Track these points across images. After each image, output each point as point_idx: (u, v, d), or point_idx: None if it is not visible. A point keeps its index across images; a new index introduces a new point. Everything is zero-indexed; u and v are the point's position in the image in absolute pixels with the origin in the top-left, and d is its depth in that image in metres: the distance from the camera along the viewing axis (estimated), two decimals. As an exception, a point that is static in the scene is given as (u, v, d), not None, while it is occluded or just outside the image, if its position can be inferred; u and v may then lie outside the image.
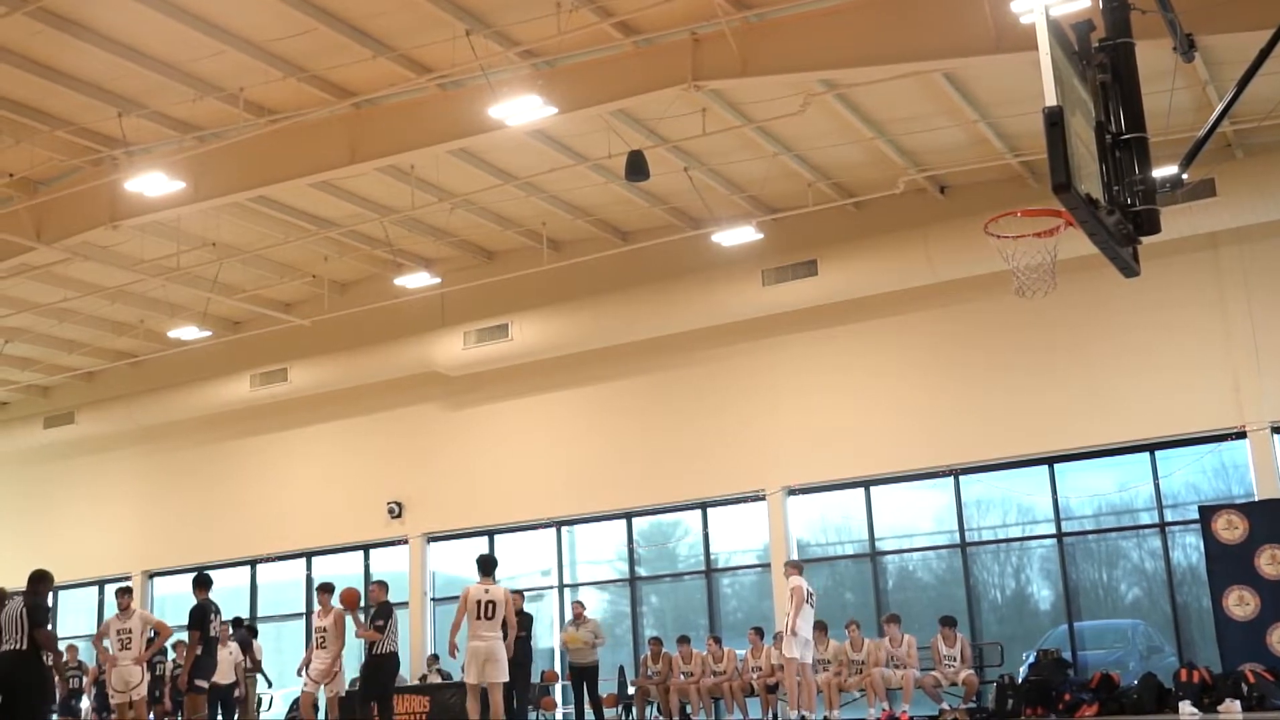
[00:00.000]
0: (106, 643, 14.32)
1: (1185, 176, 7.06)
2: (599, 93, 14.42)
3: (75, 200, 16.94)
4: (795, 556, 18.99)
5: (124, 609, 14.48)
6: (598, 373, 20.47)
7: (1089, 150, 6.22)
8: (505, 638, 12.89)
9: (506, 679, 12.89)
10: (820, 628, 16.90)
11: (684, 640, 17.87)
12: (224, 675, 16.40)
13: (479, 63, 13.56)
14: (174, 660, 18.11)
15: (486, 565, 13.34)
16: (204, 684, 13.75)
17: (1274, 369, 16.26)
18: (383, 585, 14.69)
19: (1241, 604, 15.51)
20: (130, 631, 14.29)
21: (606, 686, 18.23)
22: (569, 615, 20.13)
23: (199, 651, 13.60)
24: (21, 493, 26.35)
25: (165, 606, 23.96)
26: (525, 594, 18.14)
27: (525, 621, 16.65)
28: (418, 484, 21.91)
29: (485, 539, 21.48)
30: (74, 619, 25.29)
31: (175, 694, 17.56)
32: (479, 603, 12.80)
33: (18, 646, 10.82)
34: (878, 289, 17.94)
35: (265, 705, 20.24)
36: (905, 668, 16.02)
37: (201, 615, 13.63)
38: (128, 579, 24.46)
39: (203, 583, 14.03)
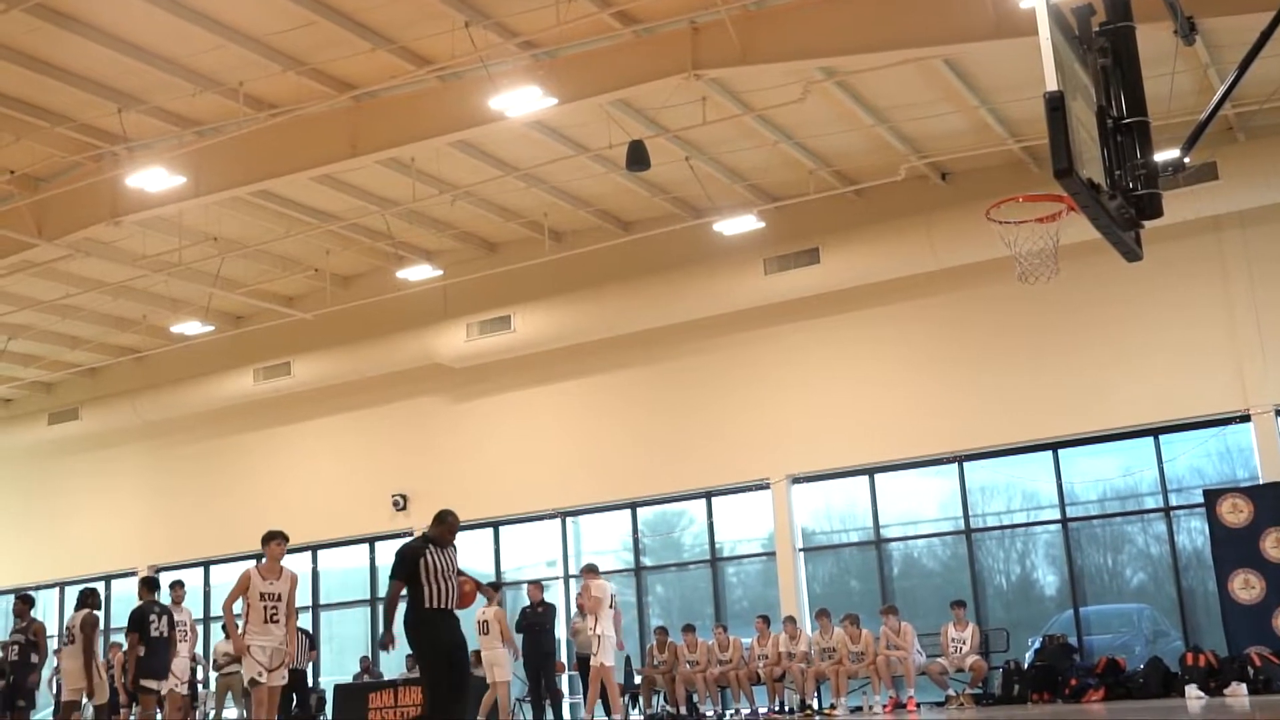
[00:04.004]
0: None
1: (1187, 160, 7.04)
2: (599, 83, 14.40)
3: (76, 196, 16.94)
4: (800, 544, 19.06)
5: (178, 601, 14.55)
6: (601, 363, 20.46)
7: (1090, 135, 6.21)
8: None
9: (509, 678, 15.88)
10: (824, 615, 16.97)
11: (689, 629, 17.89)
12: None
13: (478, 54, 13.54)
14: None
15: (487, 594, 15.02)
16: (152, 685, 13.71)
17: (1278, 351, 16.25)
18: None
19: (1247, 587, 15.51)
20: (185, 624, 14.41)
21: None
22: (574, 607, 20.21)
23: (140, 653, 13.57)
24: (27, 489, 26.39)
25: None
26: (544, 584, 18.07)
27: (550, 612, 16.75)
28: (422, 476, 21.92)
29: (490, 530, 21.51)
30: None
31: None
32: (481, 622, 15.61)
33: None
34: (880, 276, 17.93)
35: None
36: (905, 655, 16.08)
37: (141, 617, 13.60)
38: (133, 574, 24.50)
39: (149, 585, 14.05)
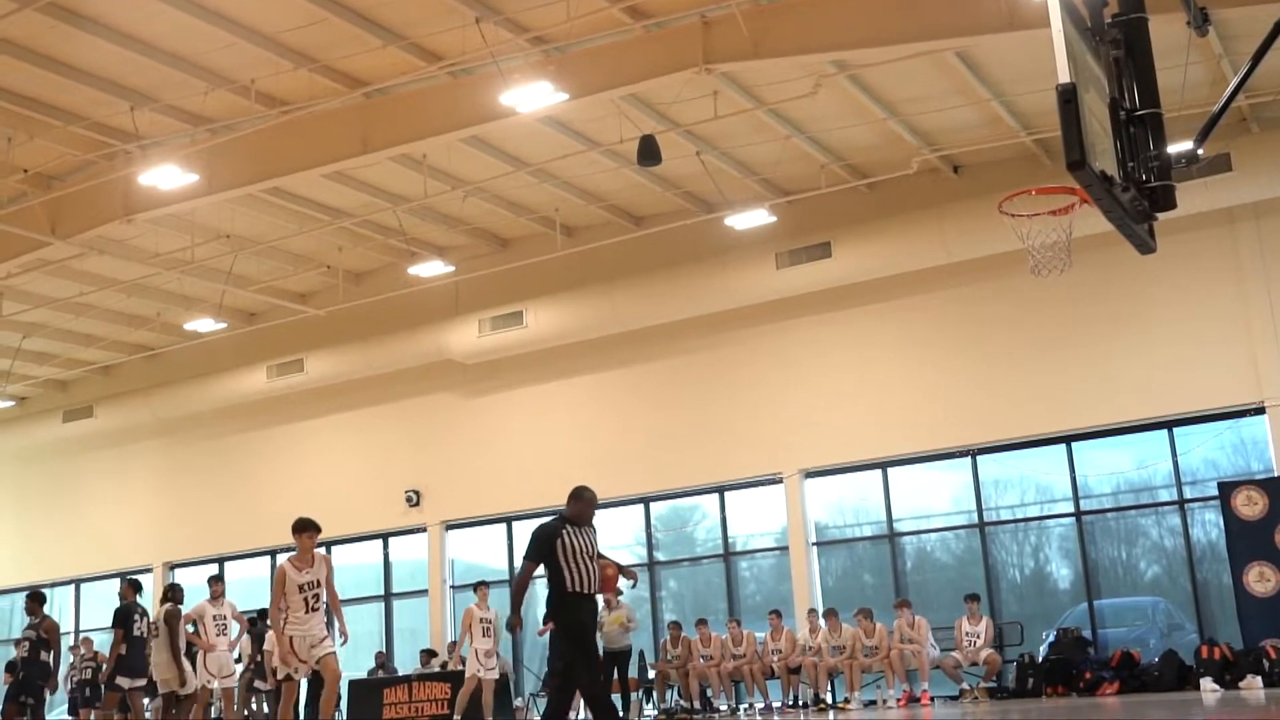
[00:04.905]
0: (192, 627, 14.56)
1: (1201, 152, 7.01)
2: (610, 78, 14.40)
3: (89, 195, 16.99)
4: (813, 539, 19.05)
5: (216, 596, 14.71)
6: (613, 358, 20.47)
7: (1103, 127, 6.18)
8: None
9: (495, 675, 16.03)
10: (832, 614, 16.97)
11: (703, 624, 17.91)
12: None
13: (489, 50, 13.54)
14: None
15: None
16: (125, 682, 13.81)
17: (1292, 344, 16.19)
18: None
19: (1262, 580, 15.47)
20: (225, 618, 14.58)
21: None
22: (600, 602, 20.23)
23: (122, 651, 13.69)
24: (42, 487, 26.50)
25: (187, 599, 24.07)
26: None
27: None
28: (435, 472, 21.96)
29: (503, 526, 21.54)
30: (95, 612, 25.43)
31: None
32: (479, 620, 15.80)
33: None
34: (892, 270, 17.90)
35: None
36: (919, 649, 16.08)
37: (125, 615, 13.78)
38: (148, 571, 24.60)
39: (133, 585, 14.28)
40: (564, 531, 8.93)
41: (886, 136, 17.04)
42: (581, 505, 9.16)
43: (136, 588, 14.25)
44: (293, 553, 10.70)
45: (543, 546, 8.88)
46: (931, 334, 18.42)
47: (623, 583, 9.83)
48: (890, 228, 17.63)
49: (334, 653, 10.79)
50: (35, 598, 14.68)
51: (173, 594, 14.66)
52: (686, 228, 18.65)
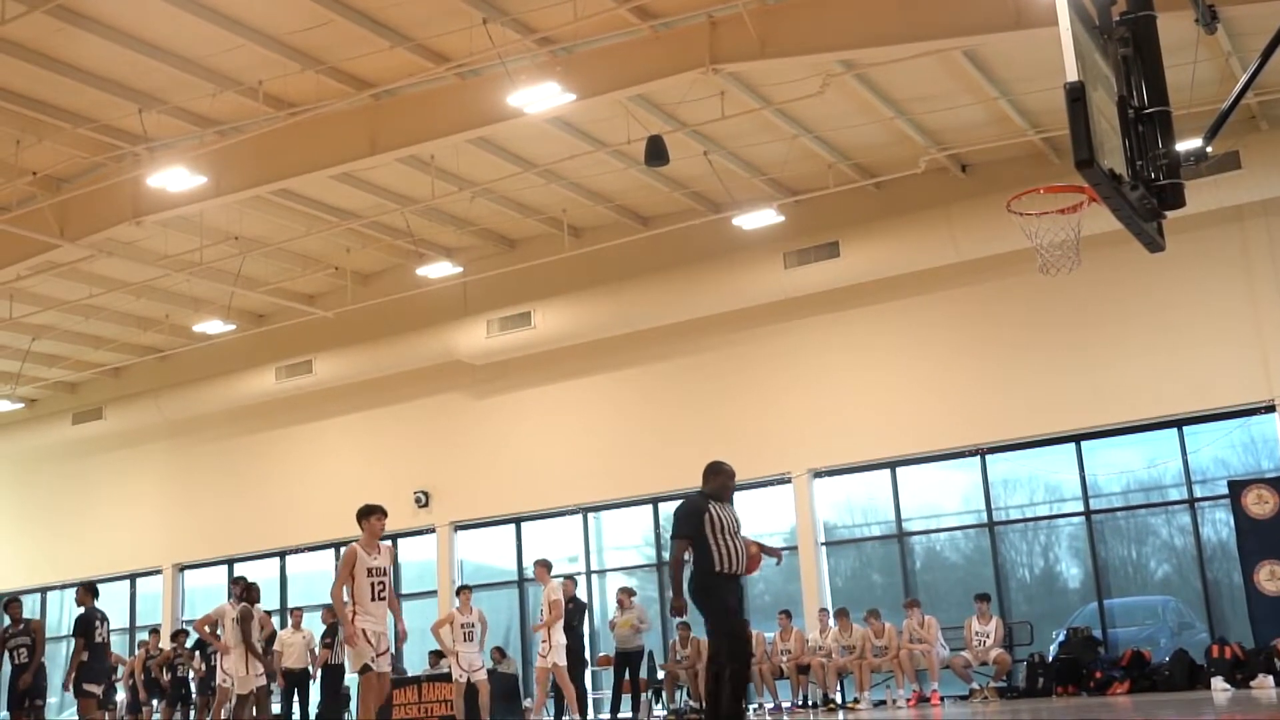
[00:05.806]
0: (219, 630, 14.63)
1: (1209, 149, 6.98)
2: (617, 78, 14.40)
3: (98, 197, 17.03)
4: (822, 538, 19.02)
5: (239, 598, 14.75)
6: (621, 359, 20.47)
7: (1111, 125, 6.17)
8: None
9: (486, 677, 15.93)
10: (844, 614, 16.95)
11: (712, 624, 17.85)
12: (297, 660, 16.80)
13: (496, 51, 13.55)
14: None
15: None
16: (93, 689, 13.84)
17: (1302, 342, 16.14)
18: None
19: (1273, 579, 15.42)
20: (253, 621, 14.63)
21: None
22: (597, 602, 20.24)
23: (84, 658, 13.72)
24: (52, 488, 26.57)
25: (196, 600, 24.17)
26: (575, 580, 18.02)
27: (580, 609, 16.72)
28: (444, 473, 21.98)
29: (512, 526, 21.55)
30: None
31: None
32: (460, 625, 15.75)
33: None
34: (900, 269, 17.88)
35: None
36: (928, 648, 16.05)
37: (86, 623, 13.80)
38: (158, 572, 24.67)
39: (90, 590, 14.22)
40: (710, 506, 8.63)
41: (894, 135, 17.02)
42: (723, 479, 8.91)
43: (94, 593, 14.21)
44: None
45: (692, 522, 8.54)
46: (940, 333, 18.39)
47: (766, 562, 9.35)
48: (898, 227, 17.61)
49: (388, 673, 10.36)
50: (16, 602, 14.71)
51: (246, 594, 14.78)
52: (694, 228, 18.65)
